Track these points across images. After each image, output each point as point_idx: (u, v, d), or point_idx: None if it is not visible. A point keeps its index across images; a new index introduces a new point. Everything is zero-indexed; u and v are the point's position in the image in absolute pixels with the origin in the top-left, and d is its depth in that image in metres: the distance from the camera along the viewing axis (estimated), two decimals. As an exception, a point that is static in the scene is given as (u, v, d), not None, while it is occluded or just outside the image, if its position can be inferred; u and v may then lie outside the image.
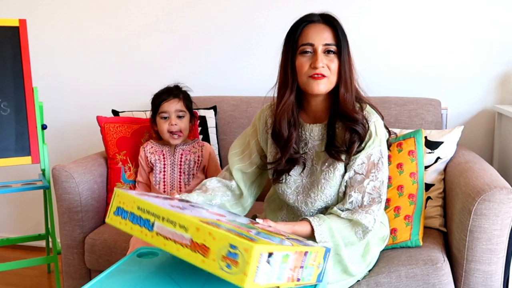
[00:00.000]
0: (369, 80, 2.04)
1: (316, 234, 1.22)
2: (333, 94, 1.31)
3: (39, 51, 2.40)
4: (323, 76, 1.26)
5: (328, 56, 1.27)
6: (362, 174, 1.30)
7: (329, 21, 1.28)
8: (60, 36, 2.50)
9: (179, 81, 1.88)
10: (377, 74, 2.11)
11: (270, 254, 0.84)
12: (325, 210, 1.38)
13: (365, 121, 1.29)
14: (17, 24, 2.02)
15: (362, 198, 1.29)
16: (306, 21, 1.29)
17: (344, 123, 1.30)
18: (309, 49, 1.27)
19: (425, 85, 2.08)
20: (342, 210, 1.29)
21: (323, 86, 1.27)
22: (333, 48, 1.26)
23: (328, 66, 1.26)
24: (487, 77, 2.04)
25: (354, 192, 1.29)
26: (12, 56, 2.00)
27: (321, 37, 1.26)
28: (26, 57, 2.02)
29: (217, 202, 1.41)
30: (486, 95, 2.06)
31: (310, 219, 1.25)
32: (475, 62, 2.04)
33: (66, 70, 2.52)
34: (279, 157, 1.37)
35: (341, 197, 1.34)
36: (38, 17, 2.47)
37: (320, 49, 1.26)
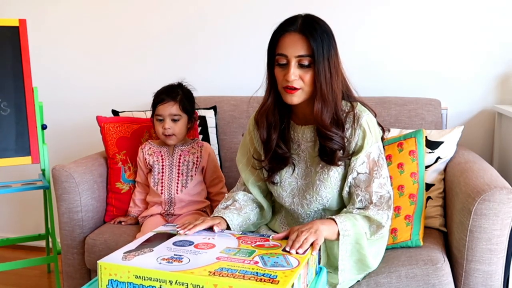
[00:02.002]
0: (370, 80, 2.07)
1: (338, 223, 1.21)
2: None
3: (39, 51, 2.40)
4: (296, 89, 1.25)
5: (302, 68, 1.24)
6: (366, 173, 1.30)
7: (304, 31, 1.23)
8: (60, 36, 2.49)
9: (183, 79, 1.86)
10: (377, 74, 2.11)
11: (292, 285, 0.92)
12: (322, 212, 1.39)
13: (344, 138, 1.28)
14: (17, 24, 2.02)
15: (371, 197, 1.29)
16: (283, 30, 1.26)
17: (320, 139, 1.30)
18: (283, 60, 1.25)
19: (425, 85, 2.08)
20: (353, 210, 1.30)
21: (296, 98, 1.26)
22: (307, 59, 1.23)
23: (302, 78, 1.24)
24: (487, 77, 2.04)
25: (361, 191, 1.30)
26: (12, 56, 2.00)
27: (295, 48, 1.23)
28: (26, 57, 2.02)
29: (252, 220, 1.44)
30: (486, 95, 2.06)
31: (331, 216, 1.26)
32: (475, 62, 2.04)
33: (66, 70, 2.52)
34: (264, 156, 1.38)
35: (346, 199, 1.34)
36: (38, 17, 2.47)
37: (293, 61, 1.23)
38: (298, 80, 1.24)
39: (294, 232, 1.17)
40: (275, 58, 1.27)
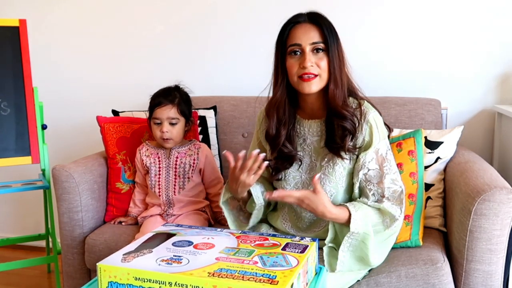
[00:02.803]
0: (370, 80, 2.05)
1: (352, 220, 1.24)
2: (327, 90, 1.32)
3: (39, 51, 2.40)
4: (314, 75, 1.28)
5: (317, 55, 1.29)
6: (376, 169, 1.32)
7: (315, 20, 1.30)
8: (60, 36, 2.49)
9: (180, 81, 1.87)
10: (377, 74, 2.10)
11: (291, 285, 0.92)
12: None
13: (355, 117, 1.31)
14: (17, 24, 2.02)
15: (383, 191, 1.31)
16: (293, 22, 1.31)
17: (333, 119, 1.32)
18: (297, 49, 1.29)
19: (425, 85, 2.08)
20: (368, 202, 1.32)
21: (315, 85, 1.29)
22: (320, 45, 1.28)
23: (317, 64, 1.28)
24: (487, 77, 2.04)
25: (373, 186, 1.32)
26: (12, 56, 2.00)
27: (308, 36, 1.28)
28: (26, 57, 2.02)
29: (263, 190, 1.44)
30: (486, 95, 2.06)
31: (347, 204, 1.28)
32: (475, 62, 2.04)
33: (66, 70, 2.52)
34: (271, 152, 1.40)
35: (355, 194, 1.35)
36: (38, 17, 2.47)
37: (308, 48, 1.28)
38: (315, 67, 1.28)
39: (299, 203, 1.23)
40: (286, 51, 1.30)
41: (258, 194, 1.40)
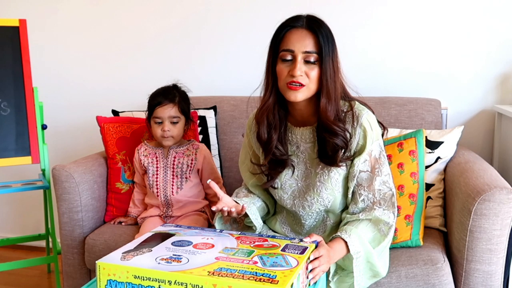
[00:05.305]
0: (370, 80, 2.07)
1: (349, 246, 1.21)
2: (317, 98, 1.27)
3: (39, 51, 2.40)
4: (301, 85, 1.23)
5: (309, 64, 1.23)
6: (368, 171, 1.29)
7: (312, 27, 1.23)
8: (60, 36, 2.49)
9: (179, 80, 1.87)
10: (377, 74, 2.11)
11: (291, 285, 0.92)
12: (324, 214, 1.38)
13: (347, 132, 1.27)
14: (17, 24, 2.02)
15: (374, 195, 1.29)
16: (290, 25, 1.25)
17: (324, 133, 1.28)
18: (289, 55, 1.24)
19: (425, 85, 2.08)
20: (357, 212, 1.30)
21: (301, 95, 1.24)
22: (313, 56, 1.22)
23: (307, 74, 1.23)
24: (487, 77, 2.04)
25: (364, 190, 1.30)
26: (12, 56, 2.00)
27: (302, 44, 1.22)
28: (26, 57, 2.02)
29: (260, 204, 1.46)
30: (486, 95, 2.06)
31: (338, 233, 1.25)
32: (475, 62, 2.04)
33: (66, 70, 2.52)
34: (264, 157, 1.37)
35: (349, 199, 1.33)
36: (38, 17, 2.47)
37: (299, 56, 1.22)
38: (304, 77, 1.23)
39: (322, 257, 1.14)
40: (278, 55, 1.26)
41: (257, 216, 1.39)
